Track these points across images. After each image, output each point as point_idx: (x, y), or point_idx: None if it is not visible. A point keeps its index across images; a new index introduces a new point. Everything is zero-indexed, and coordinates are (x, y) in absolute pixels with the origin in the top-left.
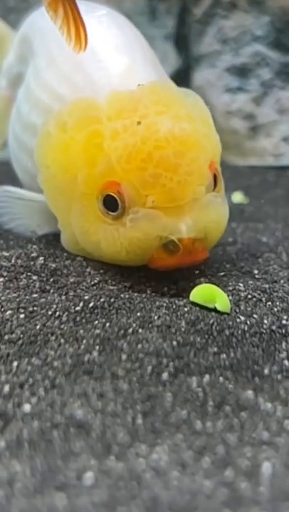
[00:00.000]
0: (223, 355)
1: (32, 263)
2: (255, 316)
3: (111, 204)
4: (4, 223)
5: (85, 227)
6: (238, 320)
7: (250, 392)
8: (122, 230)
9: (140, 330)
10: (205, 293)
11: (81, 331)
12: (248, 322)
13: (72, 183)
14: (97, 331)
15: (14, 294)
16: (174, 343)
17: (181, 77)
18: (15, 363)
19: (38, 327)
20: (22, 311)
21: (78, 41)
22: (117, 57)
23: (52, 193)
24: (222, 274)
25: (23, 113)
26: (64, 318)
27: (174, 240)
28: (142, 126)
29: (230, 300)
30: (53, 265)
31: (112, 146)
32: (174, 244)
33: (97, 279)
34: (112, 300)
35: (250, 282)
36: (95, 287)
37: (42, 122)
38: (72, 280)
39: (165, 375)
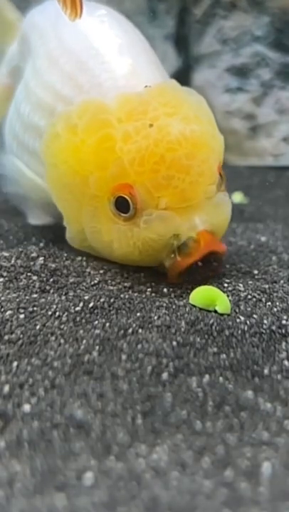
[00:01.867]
0: (223, 356)
1: (32, 263)
2: (255, 316)
3: (123, 206)
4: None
5: (96, 228)
6: (237, 320)
7: (250, 393)
8: (136, 230)
9: (140, 330)
10: (204, 296)
11: (81, 331)
12: (248, 322)
13: (82, 184)
14: (97, 331)
15: (14, 295)
16: (174, 343)
17: (181, 77)
18: (15, 363)
19: (37, 327)
20: (22, 311)
21: (74, 9)
22: (122, 58)
23: (59, 192)
24: (222, 274)
25: (24, 114)
26: (64, 319)
27: (192, 236)
28: (154, 128)
29: (230, 300)
30: (53, 265)
31: (124, 149)
32: (192, 240)
33: (97, 279)
34: (112, 300)
35: (250, 282)
36: (94, 287)
37: (47, 123)
38: (72, 280)
39: (165, 375)
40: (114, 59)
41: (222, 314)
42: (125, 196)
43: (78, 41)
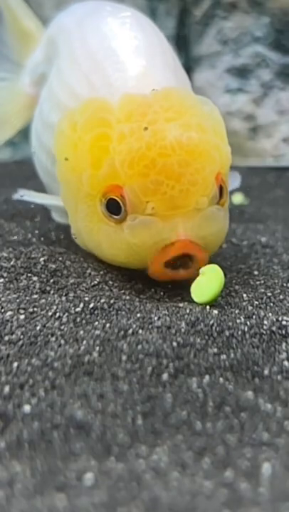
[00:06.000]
0: (223, 356)
1: (32, 264)
2: (255, 317)
3: (114, 207)
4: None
5: (88, 227)
6: (238, 321)
7: (250, 393)
8: (121, 234)
9: (140, 331)
10: (197, 282)
11: (81, 332)
12: (248, 323)
13: (78, 181)
14: (97, 332)
15: (14, 295)
16: (174, 343)
17: None
18: (15, 364)
19: (38, 328)
20: (22, 312)
21: None
22: (136, 59)
23: (63, 189)
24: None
25: (44, 112)
26: (64, 319)
27: (172, 241)
28: (148, 131)
29: (229, 301)
30: (53, 266)
31: (117, 150)
32: (171, 245)
33: (98, 280)
34: (112, 301)
35: (250, 283)
36: (95, 288)
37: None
38: (72, 281)
39: (165, 376)
40: (128, 60)
41: (222, 315)
42: (116, 198)
43: (97, 42)
